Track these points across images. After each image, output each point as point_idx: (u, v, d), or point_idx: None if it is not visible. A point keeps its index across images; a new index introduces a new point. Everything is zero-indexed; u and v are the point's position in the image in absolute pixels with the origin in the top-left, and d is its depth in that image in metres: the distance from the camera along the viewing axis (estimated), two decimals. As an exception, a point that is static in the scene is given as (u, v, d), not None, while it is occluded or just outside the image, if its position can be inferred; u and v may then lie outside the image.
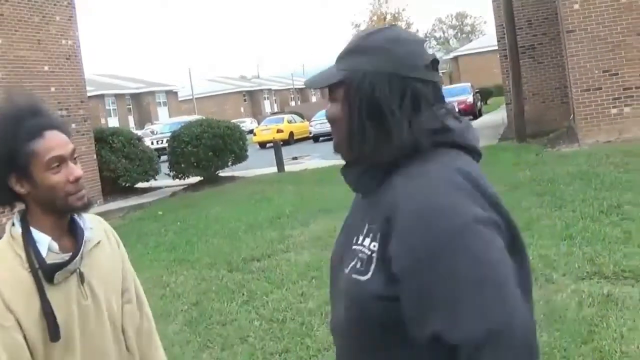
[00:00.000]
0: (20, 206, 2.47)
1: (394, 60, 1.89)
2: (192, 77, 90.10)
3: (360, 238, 1.88)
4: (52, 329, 2.31)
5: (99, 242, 2.56)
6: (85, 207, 2.46)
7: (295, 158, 29.11)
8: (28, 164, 2.33)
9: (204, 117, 25.28)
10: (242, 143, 22.66)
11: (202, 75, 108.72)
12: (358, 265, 1.85)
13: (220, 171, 22.44)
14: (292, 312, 7.48)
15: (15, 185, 2.36)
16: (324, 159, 26.51)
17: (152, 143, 39.08)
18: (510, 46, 21.19)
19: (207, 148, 21.19)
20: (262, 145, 42.27)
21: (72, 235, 2.48)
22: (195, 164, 21.34)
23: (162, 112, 79.01)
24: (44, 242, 2.38)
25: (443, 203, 1.70)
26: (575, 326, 5.90)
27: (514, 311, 1.61)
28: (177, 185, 22.48)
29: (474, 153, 1.96)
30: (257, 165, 24.81)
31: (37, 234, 2.38)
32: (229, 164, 22.25)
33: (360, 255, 1.85)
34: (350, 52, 1.96)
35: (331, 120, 1.99)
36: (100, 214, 3.25)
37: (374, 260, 1.80)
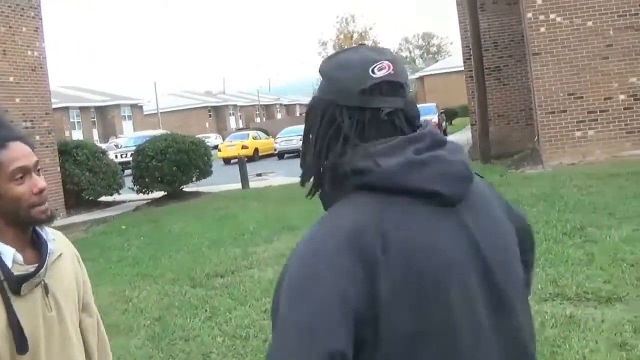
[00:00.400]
0: None
1: (332, 86, 1.84)
2: (157, 91, 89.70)
3: None
4: (19, 341, 2.30)
5: (60, 255, 2.56)
6: (49, 220, 2.46)
7: (259, 174, 29.06)
8: None
9: (169, 132, 25.18)
10: (207, 158, 22.59)
11: (167, 89, 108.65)
12: None
13: (184, 186, 22.33)
14: (256, 329, 7.44)
15: None
16: (289, 176, 26.51)
17: (117, 157, 38.77)
18: (476, 67, 21.36)
19: (172, 163, 21.07)
20: (227, 161, 42.26)
21: (34, 247, 2.48)
22: (159, 178, 21.22)
23: (127, 125, 78.59)
24: (9, 254, 2.36)
25: (289, 263, 1.72)
26: (538, 347, 5.86)
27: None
28: (141, 200, 22.33)
29: (423, 195, 1.73)
30: (221, 181, 24.75)
31: (1, 246, 2.36)
32: (194, 179, 22.15)
33: None
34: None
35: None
36: (63, 227, 3.22)
37: None
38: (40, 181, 2.41)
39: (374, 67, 1.78)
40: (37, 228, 2.49)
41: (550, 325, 6.43)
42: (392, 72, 1.80)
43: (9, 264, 2.35)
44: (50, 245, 2.49)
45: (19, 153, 2.37)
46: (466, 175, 1.81)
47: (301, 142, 1.94)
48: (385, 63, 1.80)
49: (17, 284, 2.33)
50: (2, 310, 2.30)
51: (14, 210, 2.37)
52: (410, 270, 1.66)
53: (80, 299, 2.69)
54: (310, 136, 1.88)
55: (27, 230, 2.46)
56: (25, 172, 2.37)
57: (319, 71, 1.89)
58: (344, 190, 1.78)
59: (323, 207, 1.89)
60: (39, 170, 2.44)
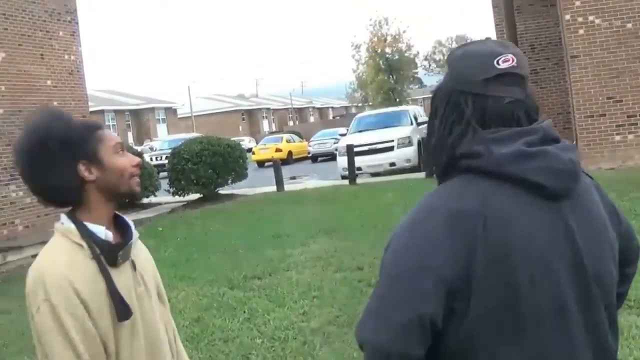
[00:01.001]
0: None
1: (457, 74, 1.98)
2: (191, 94, 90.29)
3: None
4: (121, 308, 2.42)
5: (138, 237, 2.69)
6: (140, 195, 2.64)
7: (293, 178, 29.09)
8: (97, 149, 2.50)
9: (203, 135, 25.26)
10: (242, 161, 22.59)
11: (201, 93, 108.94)
12: None
13: (220, 189, 22.38)
14: (294, 331, 7.45)
15: (85, 172, 2.49)
16: (323, 179, 26.58)
17: (152, 159, 39.08)
18: (512, 71, 21.18)
19: (207, 165, 21.13)
20: (261, 164, 42.35)
21: (116, 229, 2.61)
22: (195, 181, 21.27)
23: (161, 128, 79.11)
24: (100, 231, 2.49)
25: (396, 230, 1.96)
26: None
27: (371, 334, 1.90)
28: (176, 202, 22.40)
29: (528, 185, 1.86)
30: (256, 184, 24.80)
31: (90, 225, 2.49)
32: (229, 181, 22.18)
33: None
34: None
35: None
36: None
37: None
38: (135, 156, 2.60)
39: (499, 59, 1.91)
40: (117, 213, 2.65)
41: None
42: (515, 64, 1.93)
43: (102, 237, 2.50)
44: (132, 225, 2.66)
45: (113, 134, 2.62)
46: (573, 172, 1.92)
47: (425, 126, 2.18)
48: (510, 56, 1.93)
49: (114, 253, 2.47)
50: (101, 282, 2.41)
51: (117, 180, 2.53)
52: (504, 252, 1.81)
53: (159, 284, 2.83)
54: (436, 120, 2.03)
55: (115, 209, 2.61)
56: (122, 148, 2.57)
57: (447, 60, 2.05)
58: (453, 171, 1.95)
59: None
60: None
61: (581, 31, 17.08)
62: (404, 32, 77.75)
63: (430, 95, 2.11)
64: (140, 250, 2.72)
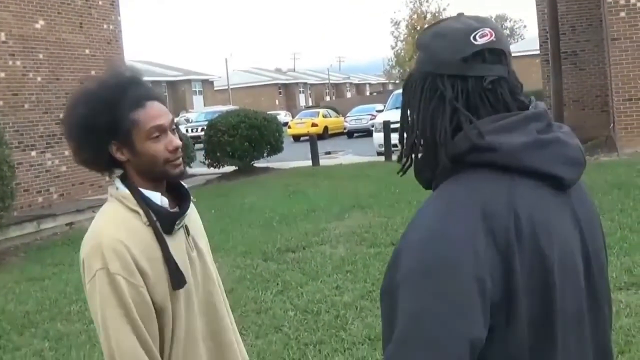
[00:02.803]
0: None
1: (431, 56, 1.74)
2: (228, 67, 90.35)
3: None
4: (176, 276, 2.40)
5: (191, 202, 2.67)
6: (181, 175, 2.54)
7: (328, 153, 29.01)
8: (130, 133, 2.41)
9: (240, 108, 25.30)
10: (278, 135, 22.68)
11: (238, 66, 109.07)
12: None
13: (255, 162, 22.48)
14: (327, 305, 7.50)
15: (116, 152, 2.44)
16: (358, 154, 26.52)
17: (187, 131, 39.21)
18: (552, 51, 20.97)
19: (244, 138, 21.22)
20: (296, 138, 42.24)
21: (170, 194, 2.58)
22: (230, 153, 21.38)
23: (198, 100, 79.21)
24: (156, 197, 2.47)
25: (411, 244, 1.62)
26: (612, 336, 5.86)
27: None
28: (211, 174, 22.52)
29: (544, 178, 1.67)
30: (291, 158, 24.83)
31: (146, 191, 2.46)
32: (265, 155, 22.28)
33: None
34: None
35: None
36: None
37: None
38: (175, 140, 2.49)
39: (475, 34, 1.69)
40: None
41: (625, 314, 6.36)
42: (494, 39, 1.70)
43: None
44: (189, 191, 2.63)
45: (156, 112, 2.45)
46: (582, 159, 1.75)
47: (398, 120, 1.82)
48: (487, 30, 1.70)
49: (171, 221, 2.45)
50: (157, 250, 2.40)
51: (149, 167, 2.46)
52: (539, 253, 1.61)
53: (209, 246, 2.80)
54: (409, 112, 1.78)
55: (162, 182, 2.55)
56: (161, 130, 2.44)
57: (417, 43, 1.80)
58: (457, 167, 1.69)
59: (422, 185, 1.84)
60: (174, 129, 2.52)
61: (622, 14, 16.89)
62: (444, 10, 76.77)
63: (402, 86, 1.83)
64: (193, 214, 2.70)
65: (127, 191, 2.45)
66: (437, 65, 1.71)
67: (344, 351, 6.22)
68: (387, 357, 1.56)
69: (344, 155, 27.99)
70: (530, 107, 1.74)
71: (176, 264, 2.41)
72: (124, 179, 2.50)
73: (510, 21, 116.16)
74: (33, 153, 16.19)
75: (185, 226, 2.57)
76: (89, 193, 17.20)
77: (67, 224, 15.09)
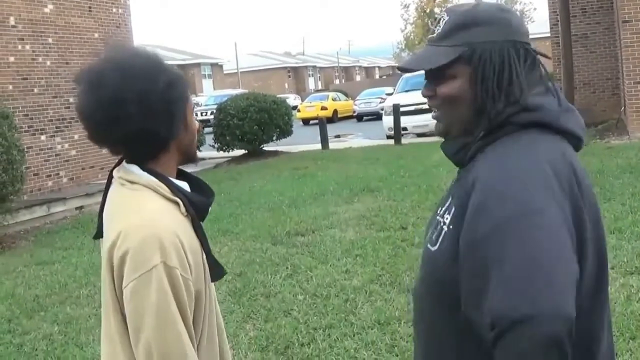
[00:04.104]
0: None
1: (514, 27, 1.90)
2: (237, 51, 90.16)
3: (442, 210, 1.90)
4: (215, 267, 2.27)
5: None
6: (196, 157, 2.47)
7: (338, 136, 29.01)
8: (186, 105, 2.30)
9: (249, 91, 25.31)
10: (288, 118, 22.70)
11: (247, 49, 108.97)
12: (433, 236, 1.89)
13: (264, 145, 22.49)
14: (336, 289, 7.48)
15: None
16: (368, 138, 26.51)
17: (197, 115, 39.20)
18: (563, 34, 20.80)
19: (253, 122, 21.23)
20: (306, 121, 42.28)
21: None
22: (240, 137, 21.40)
23: (207, 84, 79.14)
24: (185, 186, 2.34)
25: (510, 189, 1.68)
26: (623, 321, 5.84)
27: (546, 302, 1.54)
28: (221, 157, 22.56)
29: (573, 139, 1.88)
30: (300, 141, 24.83)
31: (179, 182, 2.31)
32: (274, 138, 22.29)
33: (437, 226, 1.89)
34: (459, 28, 1.90)
35: (449, 99, 1.92)
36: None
37: (444, 233, 1.83)
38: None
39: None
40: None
41: (636, 299, 6.33)
42: None
43: None
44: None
45: None
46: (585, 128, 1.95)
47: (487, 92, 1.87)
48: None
49: (206, 212, 2.34)
50: (196, 239, 2.23)
51: (191, 143, 2.35)
52: (593, 207, 1.80)
53: None
54: (481, 78, 1.86)
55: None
56: None
57: (479, 18, 1.89)
58: (504, 129, 1.85)
59: (457, 157, 1.97)
60: None
61: (634, -5, 16.77)
62: (453, -8, 76.46)
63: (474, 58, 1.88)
64: None
65: (154, 179, 2.22)
66: (520, 36, 1.90)
67: (354, 335, 6.20)
68: (505, 299, 1.58)
69: (353, 139, 27.98)
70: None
71: (214, 255, 2.29)
72: (144, 167, 2.25)
73: (520, 3, 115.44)
74: (43, 137, 16.21)
75: None
76: (99, 177, 17.21)
77: (77, 208, 15.13)
